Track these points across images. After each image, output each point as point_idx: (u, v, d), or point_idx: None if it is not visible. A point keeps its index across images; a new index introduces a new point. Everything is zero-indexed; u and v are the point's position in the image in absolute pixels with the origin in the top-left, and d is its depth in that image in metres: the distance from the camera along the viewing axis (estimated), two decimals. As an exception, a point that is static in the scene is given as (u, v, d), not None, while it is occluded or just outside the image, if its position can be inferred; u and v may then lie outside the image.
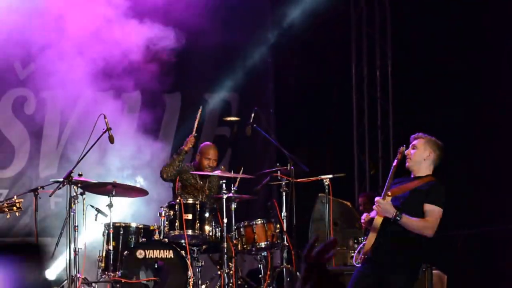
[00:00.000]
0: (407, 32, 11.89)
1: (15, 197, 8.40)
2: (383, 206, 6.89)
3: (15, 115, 11.56)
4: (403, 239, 6.91)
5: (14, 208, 8.26)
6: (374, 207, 6.97)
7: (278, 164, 9.60)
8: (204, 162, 9.81)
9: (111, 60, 10.86)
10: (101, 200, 9.41)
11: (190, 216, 9.19)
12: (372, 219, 6.96)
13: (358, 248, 7.15)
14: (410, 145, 7.16)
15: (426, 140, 7.14)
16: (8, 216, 8.40)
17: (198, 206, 9.26)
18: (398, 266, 6.91)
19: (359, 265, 7.02)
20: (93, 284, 9.25)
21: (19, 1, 10.83)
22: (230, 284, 9.09)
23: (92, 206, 9.29)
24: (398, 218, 6.83)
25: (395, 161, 7.04)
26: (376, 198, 7.00)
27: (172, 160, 9.83)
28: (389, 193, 6.97)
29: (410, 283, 7.03)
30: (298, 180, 9.31)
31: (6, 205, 8.24)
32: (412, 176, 7.13)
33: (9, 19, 10.76)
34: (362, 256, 6.97)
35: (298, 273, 9.24)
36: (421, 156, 7.08)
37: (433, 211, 6.94)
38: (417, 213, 6.93)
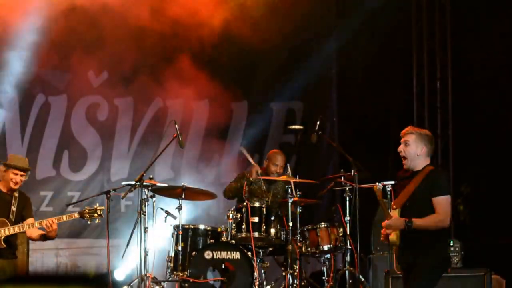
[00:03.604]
0: (466, 44, 11.98)
1: (97, 204, 8.62)
2: (392, 225, 6.94)
3: (88, 121, 11.97)
4: (422, 239, 6.92)
5: (95, 215, 8.47)
6: (383, 231, 7.02)
7: (342, 170, 9.81)
8: (272, 168, 10.10)
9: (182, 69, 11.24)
10: (171, 203, 9.71)
11: (256, 219, 9.44)
12: (388, 235, 7.00)
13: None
14: (402, 141, 7.19)
15: (416, 135, 7.13)
16: (89, 222, 8.66)
17: (264, 209, 9.52)
18: (425, 259, 6.94)
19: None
20: (162, 283, 9.46)
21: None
22: (294, 285, 9.28)
23: (162, 209, 9.55)
24: (410, 225, 6.87)
25: (378, 198, 7.07)
26: (383, 224, 7.01)
27: (231, 186, 10.08)
28: (394, 206, 7.03)
29: (438, 271, 7.03)
30: (361, 185, 9.47)
31: (87, 211, 8.50)
32: (411, 172, 7.12)
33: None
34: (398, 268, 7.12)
35: (360, 276, 9.45)
36: (415, 152, 7.09)
37: (441, 202, 6.94)
38: (428, 210, 6.94)
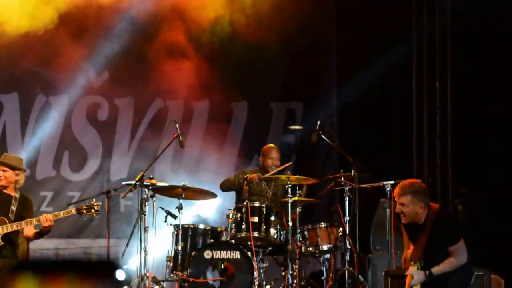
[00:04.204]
0: (466, 44, 12.02)
1: (94, 200, 8.63)
2: (415, 282, 7.10)
3: (88, 121, 12.00)
4: (444, 277, 7.12)
5: (92, 210, 8.46)
6: (407, 286, 7.16)
7: (341, 170, 9.82)
8: (268, 161, 10.13)
9: (182, 69, 11.29)
10: (171, 203, 9.74)
11: (256, 219, 9.44)
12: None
13: None
14: (398, 203, 7.19)
15: (412, 195, 7.13)
16: (86, 218, 8.68)
17: (264, 209, 9.54)
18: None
19: None
20: (162, 283, 9.49)
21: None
22: (294, 285, 9.30)
23: (162, 208, 9.57)
24: (432, 275, 7.05)
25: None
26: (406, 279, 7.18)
27: (229, 179, 10.13)
28: (412, 263, 7.17)
29: None
30: (361, 185, 9.51)
31: (84, 207, 8.51)
32: (416, 225, 7.19)
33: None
34: None
35: (359, 276, 9.48)
36: (414, 211, 7.14)
37: (456, 249, 7.09)
38: (445, 256, 7.11)
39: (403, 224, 7.34)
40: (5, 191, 8.52)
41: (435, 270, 7.06)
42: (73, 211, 8.50)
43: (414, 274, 7.12)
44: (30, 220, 8.40)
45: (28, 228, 8.44)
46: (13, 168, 8.54)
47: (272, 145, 10.46)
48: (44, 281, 3.15)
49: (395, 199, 7.24)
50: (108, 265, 3.31)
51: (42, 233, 8.45)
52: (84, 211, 8.47)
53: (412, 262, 7.15)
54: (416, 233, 7.20)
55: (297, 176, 9.54)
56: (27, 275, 3.17)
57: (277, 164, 10.11)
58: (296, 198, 9.46)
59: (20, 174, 8.60)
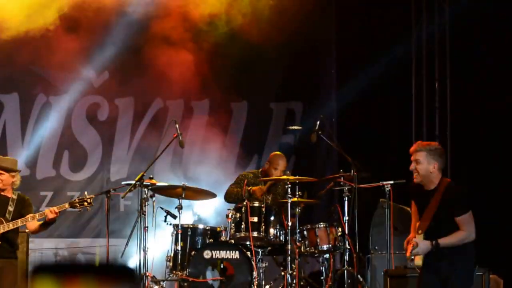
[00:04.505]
0: (465, 44, 12.04)
1: (86, 193, 8.64)
2: (420, 251, 6.97)
3: (88, 121, 12.03)
4: (450, 252, 7.04)
5: (85, 203, 8.46)
6: (409, 253, 7.04)
7: (341, 170, 9.83)
8: (273, 171, 10.06)
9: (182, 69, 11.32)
10: (171, 202, 9.75)
11: (255, 219, 9.45)
12: (412, 258, 7.07)
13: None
14: (412, 159, 7.13)
15: (427, 152, 7.07)
16: (80, 211, 8.70)
17: (263, 209, 9.55)
18: (455, 272, 7.05)
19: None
20: (161, 282, 9.51)
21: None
22: (293, 285, 9.31)
23: (162, 208, 9.60)
24: (437, 246, 6.94)
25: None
26: (409, 246, 7.05)
27: (232, 191, 10.06)
28: (419, 231, 7.04)
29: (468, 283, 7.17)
30: (361, 185, 9.53)
31: (77, 200, 8.52)
32: (426, 189, 7.14)
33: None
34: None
35: (359, 276, 9.50)
36: (427, 170, 7.05)
37: (464, 220, 7.00)
38: (452, 227, 7.02)
39: (413, 194, 7.25)
40: (2, 193, 8.53)
41: (442, 241, 6.91)
42: (66, 205, 8.51)
43: (419, 242, 6.96)
44: (33, 215, 8.42)
45: (31, 223, 8.46)
46: (8, 170, 8.56)
47: (279, 153, 10.38)
48: (63, 284, 3.16)
49: (411, 157, 7.14)
50: (127, 270, 3.32)
51: (47, 223, 8.45)
52: (77, 205, 8.47)
53: (420, 231, 7.01)
54: (427, 200, 7.09)
55: (297, 176, 9.57)
56: (44, 279, 3.18)
57: (280, 176, 10.02)
58: (295, 199, 9.47)
59: (16, 176, 8.61)
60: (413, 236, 7.18)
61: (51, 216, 8.32)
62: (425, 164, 7.07)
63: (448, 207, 7.00)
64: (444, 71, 12.45)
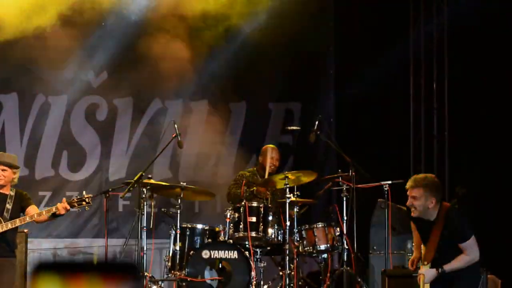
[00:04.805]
0: (464, 44, 12.05)
1: (84, 192, 8.56)
2: (426, 280, 7.04)
3: (87, 121, 12.03)
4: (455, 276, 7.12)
5: (84, 203, 8.37)
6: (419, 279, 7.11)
7: (339, 170, 9.86)
8: (268, 161, 10.11)
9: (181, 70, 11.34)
10: (170, 202, 9.76)
11: (254, 219, 9.46)
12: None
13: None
14: (409, 195, 7.11)
15: (424, 189, 7.04)
16: (78, 211, 8.67)
17: (262, 209, 9.55)
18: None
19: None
20: (160, 282, 9.52)
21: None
22: (291, 285, 9.32)
23: (160, 208, 9.62)
24: (444, 272, 7.02)
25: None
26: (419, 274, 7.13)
27: (235, 193, 10.02)
28: (425, 263, 7.10)
29: None
30: (359, 185, 9.54)
31: (75, 199, 8.47)
32: (427, 220, 7.14)
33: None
34: None
35: (357, 276, 9.51)
36: (425, 206, 7.04)
37: (467, 245, 7.04)
38: (457, 252, 7.07)
39: (413, 219, 7.27)
40: (0, 190, 8.52)
41: (447, 267, 6.99)
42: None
43: (425, 273, 7.04)
44: (40, 212, 8.40)
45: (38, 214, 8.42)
46: (11, 166, 8.56)
47: (271, 145, 10.47)
48: (66, 283, 3.15)
49: (407, 192, 7.14)
50: (132, 267, 3.25)
51: (56, 215, 8.42)
52: (76, 204, 8.41)
53: (426, 262, 7.07)
54: (428, 230, 7.11)
55: (296, 172, 9.57)
56: (48, 276, 3.17)
57: (276, 165, 10.11)
58: (293, 199, 9.47)
59: (17, 172, 8.62)
60: (417, 256, 7.29)
61: (63, 212, 8.29)
62: (422, 201, 7.06)
63: (450, 238, 7.05)
64: (443, 71, 12.47)
